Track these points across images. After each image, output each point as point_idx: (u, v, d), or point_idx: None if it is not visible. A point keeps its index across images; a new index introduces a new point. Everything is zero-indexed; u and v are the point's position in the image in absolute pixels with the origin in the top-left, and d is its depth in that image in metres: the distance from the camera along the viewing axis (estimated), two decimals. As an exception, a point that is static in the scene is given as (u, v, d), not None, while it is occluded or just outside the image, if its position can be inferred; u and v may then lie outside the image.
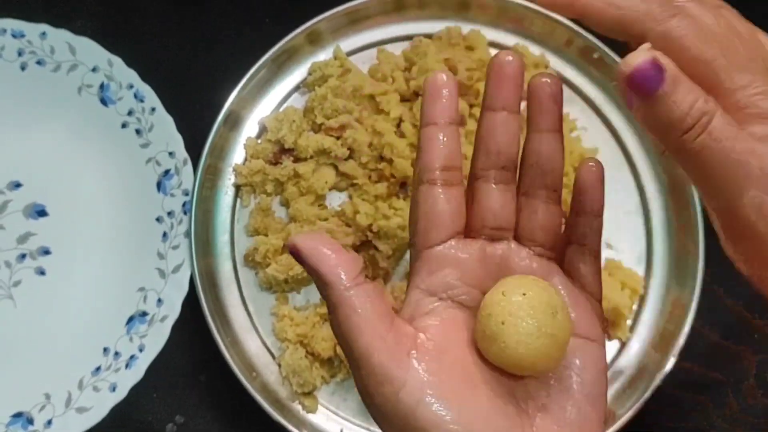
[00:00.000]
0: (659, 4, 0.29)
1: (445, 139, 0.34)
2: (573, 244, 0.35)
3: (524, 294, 0.31)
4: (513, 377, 0.32)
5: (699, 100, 0.27)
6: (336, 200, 0.58)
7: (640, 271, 0.58)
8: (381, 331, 0.29)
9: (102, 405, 0.53)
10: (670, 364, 0.53)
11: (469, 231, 0.35)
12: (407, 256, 0.57)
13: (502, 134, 0.34)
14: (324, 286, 0.30)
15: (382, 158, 0.57)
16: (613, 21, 0.30)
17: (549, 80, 0.34)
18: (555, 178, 0.35)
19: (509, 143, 0.35)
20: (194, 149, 0.57)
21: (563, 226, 0.36)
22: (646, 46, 0.28)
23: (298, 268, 0.55)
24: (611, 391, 0.55)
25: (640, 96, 0.27)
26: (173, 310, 0.55)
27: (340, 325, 0.30)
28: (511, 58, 0.34)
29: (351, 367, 0.31)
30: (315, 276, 0.30)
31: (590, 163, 0.35)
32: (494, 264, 0.34)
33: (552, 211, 0.35)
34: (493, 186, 0.35)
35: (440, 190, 0.34)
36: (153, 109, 0.58)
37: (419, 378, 0.29)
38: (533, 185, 0.35)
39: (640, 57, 0.26)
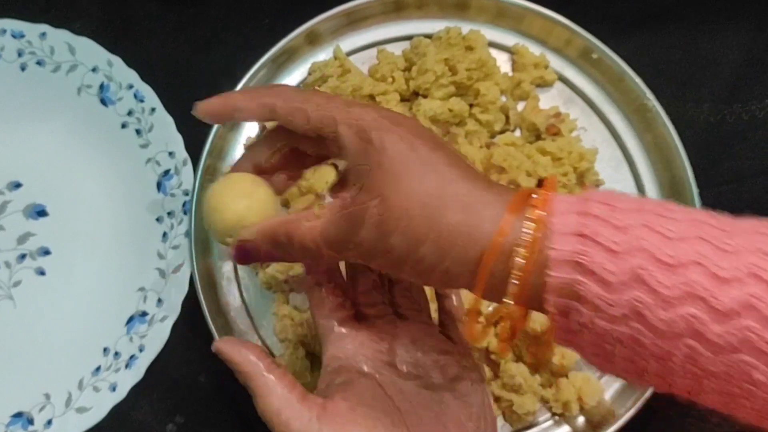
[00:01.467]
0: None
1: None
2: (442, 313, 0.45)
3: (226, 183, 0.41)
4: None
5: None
6: (336, 200, 0.58)
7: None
8: (291, 403, 0.36)
9: (102, 405, 0.53)
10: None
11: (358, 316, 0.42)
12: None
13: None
14: (244, 379, 0.38)
15: (381, 158, 0.57)
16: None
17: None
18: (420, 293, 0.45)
19: None
20: (194, 149, 0.57)
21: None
22: None
23: (297, 268, 0.55)
24: (611, 391, 0.55)
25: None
26: (173, 310, 0.55)
27: (260, 405, 0.37)
28: None
29: None
30: (234, 369, 0.38)
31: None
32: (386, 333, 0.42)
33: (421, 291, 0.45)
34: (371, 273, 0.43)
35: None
36: (153, 110, 0.58)
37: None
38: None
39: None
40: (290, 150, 0.42)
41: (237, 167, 0.43)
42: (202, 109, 0.42)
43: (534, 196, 0.33)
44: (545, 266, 0.31)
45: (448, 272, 0.34)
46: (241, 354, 0.38)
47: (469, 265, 0.33)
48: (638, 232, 0.30)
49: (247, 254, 0.40)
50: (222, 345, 0.39)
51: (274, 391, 0.37)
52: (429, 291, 0.47)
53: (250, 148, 0.45)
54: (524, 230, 0.31)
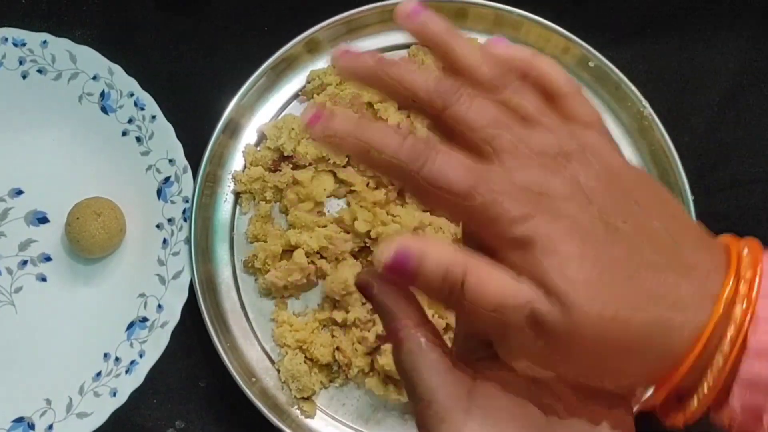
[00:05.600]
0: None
1: None
2: None
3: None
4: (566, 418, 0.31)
5: (448, 267, 0.27)
6: (334, 207, 0.59)
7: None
8: (442, 370, 0.30)
9: (102, 410, 0.54)
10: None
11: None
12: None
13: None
14: (392, 323, 0.30)
15: (380, 165, 0.58)
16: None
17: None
18: None
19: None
20: (194, 157, 0.57)
21: None
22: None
23: (297, 274, 0.56)
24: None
25: (403, 281, 0.28)
26: (173, 315, 0.55)
27: (403, 361, 0.30)
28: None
29: (411, 402, 0.31)
30: (384, 312, 0.31)
31: None
32: None
33: None
34: None
35: None
36: (153, 117, 0.58)
37: (478, 419, 0.29)
38: None
39: (385, 252, 0.27)
40: None
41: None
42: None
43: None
44: (742, 353, 0.26)
45: (632, 374, 0.28)
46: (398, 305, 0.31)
47: (664, 362, 0.27)
48: None
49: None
50: (372, 281, 0.31)
51: (428, 354, 0.30)
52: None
53: None
54: (734, 317, 0.26)
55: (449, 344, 0.31)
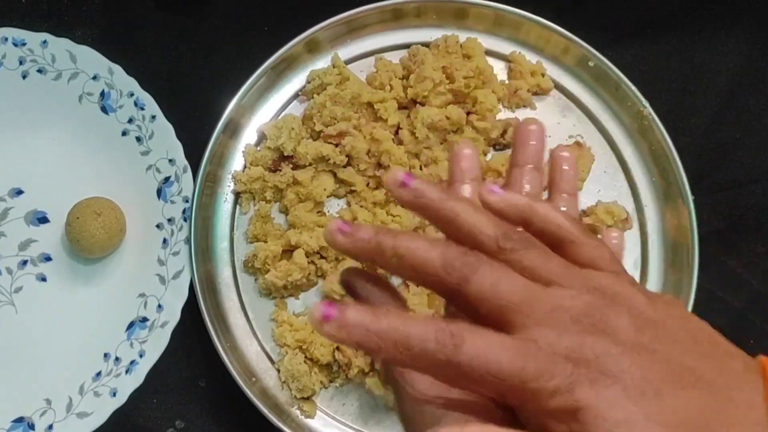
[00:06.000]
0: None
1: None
2: None
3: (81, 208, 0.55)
4: None
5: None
6: (334, 207, 0.59)
7: (636, 276, 0.58)
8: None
9: (102, 410, 0.54)
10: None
11: None
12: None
13: (527, 184, 0.38)
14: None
15: (380, 165, 0.58)
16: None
17: (567, 154, 0.39)
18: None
19: (537, 193, 0.38)
20: (194, 157, 0.58)
21: None
22: None
23: (296, 274, 0.56)
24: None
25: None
26: (173, 315, 0.55)
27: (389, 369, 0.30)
28: (534, 126, 0.39)
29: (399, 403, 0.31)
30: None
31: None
32: None
33: None
34: None
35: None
36: (153, 117, 0.58)
37: None
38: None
39: None
40: None
41: None
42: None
43: None
44: None
45: None
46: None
47: None
48: None
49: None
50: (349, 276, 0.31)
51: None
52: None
53: None
54: None
55: None
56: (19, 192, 0.59)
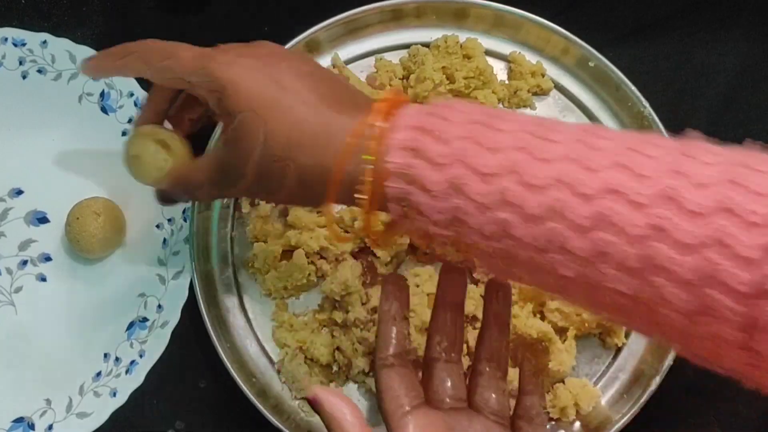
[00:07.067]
0: None
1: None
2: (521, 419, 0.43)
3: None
4: None
5: None
6: (335, 207, 0.59)
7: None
8: None
9: (102, 410, 0.54)
10: (665, 369, 0.54)
11: (429, 403, 0.41)
12: (405, 262, 0.58)
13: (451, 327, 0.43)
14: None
15: (380, 165, 0.58)
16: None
17: (502, 293, 0.43)
18: (503, 364, 0.43)
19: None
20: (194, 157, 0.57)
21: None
22: None
23: (297, 274, 0.56)
24: (608, 397, 0.55)
25: None
26: (173, 315, 0.55)
27: None
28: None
29: None
30: (330, 425, 0.36)
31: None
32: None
33: (502, 386, 0.42)
34: (447, 364, 0.42)
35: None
36: (153, 117, 0.58)
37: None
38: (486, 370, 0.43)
39: None
40: (187, 95, 0.49)
41: (143, 118, 0.49)
42: (87, 68, 0.49)
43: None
44: (385, 177, 0.35)
45: (309, 186, 0.39)
46: (340, 410, 0.36)
47: (326, 170, 0.38)
48: (461, 145, 0.34)
49: (166, 198, 0.48)
50: (322, 394, 0.37)
51: None
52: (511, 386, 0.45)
53: (150, 99, 0.50)
54: (368, 144, 0.36)
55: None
56: (19, 192, 0.59)
